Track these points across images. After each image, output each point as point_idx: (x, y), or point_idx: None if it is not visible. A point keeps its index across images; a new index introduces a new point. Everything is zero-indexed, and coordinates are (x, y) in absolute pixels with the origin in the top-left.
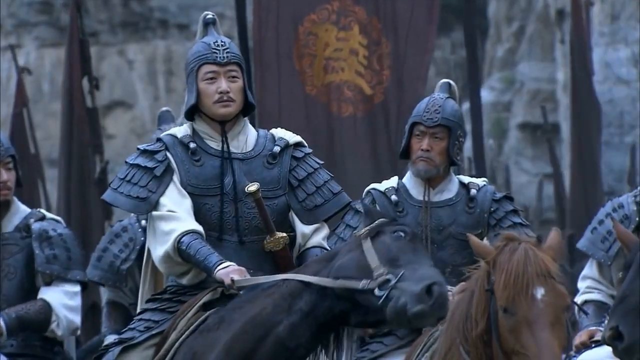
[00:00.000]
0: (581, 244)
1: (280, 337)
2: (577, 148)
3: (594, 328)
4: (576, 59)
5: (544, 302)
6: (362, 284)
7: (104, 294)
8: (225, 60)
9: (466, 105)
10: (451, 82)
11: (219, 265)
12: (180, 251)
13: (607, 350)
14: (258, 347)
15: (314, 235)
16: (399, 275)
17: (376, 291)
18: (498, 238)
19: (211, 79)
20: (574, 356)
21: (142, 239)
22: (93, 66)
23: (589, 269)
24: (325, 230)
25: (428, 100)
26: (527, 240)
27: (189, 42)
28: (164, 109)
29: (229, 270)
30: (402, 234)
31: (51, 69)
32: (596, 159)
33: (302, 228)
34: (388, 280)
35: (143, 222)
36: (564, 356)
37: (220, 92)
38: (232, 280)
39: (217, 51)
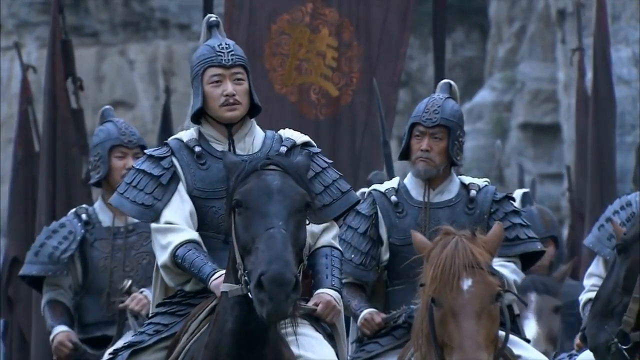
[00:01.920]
0: (588, 241)
1: (233, 330)
2: (595, 149)
3: None
4: (598, 62)
5: (470, 292)
6: (241, 291)
7: (43, 296)
8: (230, 63)
9: (467, 105)
10: (451, 82)
11: (212, 276)
12: (177, 264)
13: None
14: (220, 347)
15: (323, 234)
16: (250, 274)
17: (249, 295)
18: (437, 233)
19: (217, 82)
20: (575, 355)
21: (82, 231)
22: (94, 66)
23: (595, 266)
24: (335, 230)
25: (427, 100)
26: (461, 233)
27: (190, 42)
28: (106, 107)
29: (218, 283)
30: (239, 202)
31: None
32: (613, 160)
33: (310, 227)
34: (247, 282)
35: (83, 215)
36: (564, 355)
37: (226, 95)
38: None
39: (222, 54)
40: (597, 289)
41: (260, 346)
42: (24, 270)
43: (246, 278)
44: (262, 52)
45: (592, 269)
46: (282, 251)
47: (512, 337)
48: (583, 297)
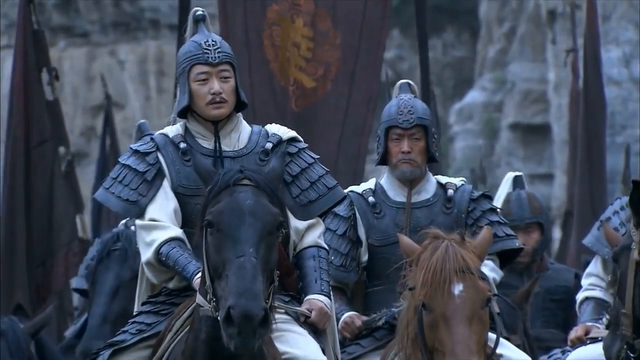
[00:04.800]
0: (587, 241)
1: (207, 340)
2: (585, 149)
3: (590, 324)
4: (589, 62)
5: (461, 297)
6: (211, 313)
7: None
8: (217, 61)
9: (457, 106)
10: (410, 82)
11: (195, 275)
12: (160, 261)
13: (600, 347)
14: (196, 355)
15: (309, 233)
16: (218, 301)
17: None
18: (425, 236)
19: (203, 80)
20: (568, 350)
21: None
22: (84, 66)
23: (594, 266)
24: (320, 227)
25: (397, 102)
26: (451, 237)
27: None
28: (141, 121)
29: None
30: (211, 223)
31: None
32: (603, 160)
33: (295, 224)
34: (216, 308)
35: (133, 227)
36: (557, 351)
37: (213, 94)
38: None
39: (208, 51)
40: (594, 288)
41: (237, 354)
42: (76, 283)
43: (215, 304)
44: (261, 43)
45: (590, 268)
46: (251, 284)
47: (492, 336)
48: (580, 296)
